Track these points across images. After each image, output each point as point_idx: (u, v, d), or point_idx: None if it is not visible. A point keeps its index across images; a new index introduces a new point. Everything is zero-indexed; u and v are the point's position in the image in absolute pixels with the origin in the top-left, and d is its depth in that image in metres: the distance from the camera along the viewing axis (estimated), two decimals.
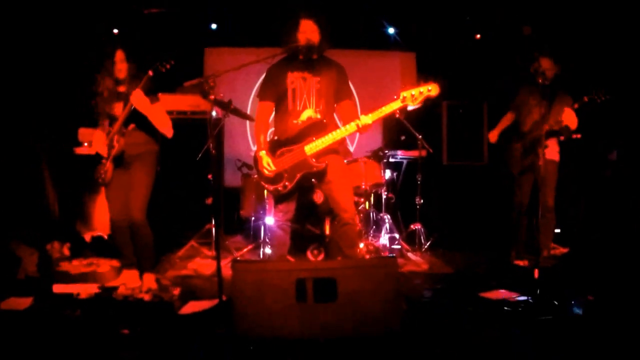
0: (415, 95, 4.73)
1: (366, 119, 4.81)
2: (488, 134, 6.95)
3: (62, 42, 7.99)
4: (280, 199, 5.22)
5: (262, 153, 5.09)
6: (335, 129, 4.98)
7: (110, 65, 5.58)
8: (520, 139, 6.85)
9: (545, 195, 6.60)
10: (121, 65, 5.59)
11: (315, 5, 5.16)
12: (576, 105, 6.38)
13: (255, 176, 5.24)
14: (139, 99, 5.31)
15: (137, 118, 5.46)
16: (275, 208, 5.35)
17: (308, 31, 5.04)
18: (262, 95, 5.34)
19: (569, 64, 6.83)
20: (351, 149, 10.02)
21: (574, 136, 6.62)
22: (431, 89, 4.74)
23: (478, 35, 10.10)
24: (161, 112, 5.60)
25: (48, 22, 7.83)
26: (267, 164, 5.04)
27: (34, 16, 7.61)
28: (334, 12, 5.50)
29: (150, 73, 5.27)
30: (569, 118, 6.36)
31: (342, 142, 5.25)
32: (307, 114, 5.11)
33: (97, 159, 5.64)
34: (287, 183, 5.03)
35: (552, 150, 6.82)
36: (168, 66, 5.25)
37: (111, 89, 5.60)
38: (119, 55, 5.59)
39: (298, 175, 5.02)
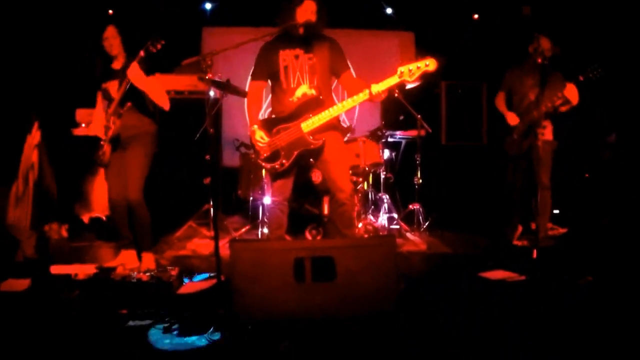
0: (413, 70, 4.68)
1: (377, 87, 4.75)
2: (507, 119, 6.84)
3: (58, 24, 7.95)
4: (276, 177, 5.20)
5: (254, 127, 5.08)
6: (331, 105, 4.96)
7: (102, 41, 5.58)
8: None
9: (541, 174, 6.58)
10: (113, 41, 5.60)
11: None
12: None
13: (253, 155, 5.22)
14: (135, 73, 5.30)
15: (133, 97, 5.46)
16: (272, 187, 5.34)
17: (309, 10, 5.00)
18: (253, 74, 5.33)
19: (568, 43, 6.81)
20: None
21: (563, 108, 6.56)
22: (429, 64, 4.69)
23: (476, 16, 10.07)
24: (157, 85, 5.59)
25: (43, 4, 7.79)
26: (261, 137, 5.02)
27: None
28: None
29: (142, 53, 5.26)
30: (571, 93, 6.32)
31: (338, 119, 5.22)
32: (302, 90, 5.09)
33: (95, 140, 5.64)
34: (284, 161, 5.01)
35: (547, 131, 6.79)
36: (159, 46, 5.23)
37: (104, 66, 5.60)
38: (110, 31, 5.58)
39: (295, 153, 5.00)
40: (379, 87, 4.76)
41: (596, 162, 8.68)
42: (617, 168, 8.36)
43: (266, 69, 5.22)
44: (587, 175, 8.42)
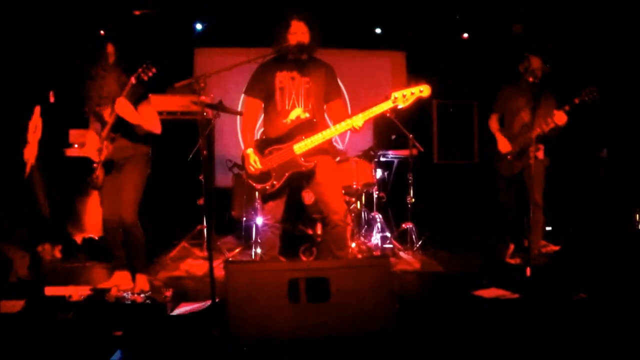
0: (407, 95, 4.73)
1: (357, 119, 4.81)
2: (499, 146, 6.86)
3: (51, 43, 7.95)
4: (267, 198, 5.21)
5: (249, 151, 5.09)
6: (325, 129, 4.98)
7: (104, 58, 5.59)
8: (510, 142, 6.83)
9: (534, 192, 6.61)
10: (111, 58, 5.60)
11: (305, 4, 5.15)
12: (567, 108, 6.38)
13: (244, 174, 5.24)
14: (122, 108, 5.32)
15: (125, 122, 5.46)
16: (263, 209, 5.34)
17: (299, 32, 5.03)
18: (249, 90, 5.33)
19: (560, 62, 6.86)
20: (341, 148, 10.03)
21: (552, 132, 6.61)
22: (423, 90, 4.74)
23: (465, 35, 10.14)
24: (148, 114, 5.61)
25: (36, 23, 7.79)
26: (254, 161, 5.03)
27: (21, 16, 7.58)
28: (324, 12, 5.51)
29: (133, 80, 5.27)
30: (560, 119, 6.36)
31: (330, 142, 5.24)
32: (296, 113, 5.12)
33: (88, 160, 5.63)
34: (274, 182, 5.03)
35: (539, 152, 6.82)
36: (150, 74, 5.24)
37: (101, 84, 5.60)
38: (110, 48, 5.59)
39: (286, 174, 5.02)
40: (359, 120, 4.83)
41: (589, 178, 8.72)
42: (608, 183, 8.40)
43: (262, 87, 5.24)
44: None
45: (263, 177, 5.07)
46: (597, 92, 6.23)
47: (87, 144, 5.72)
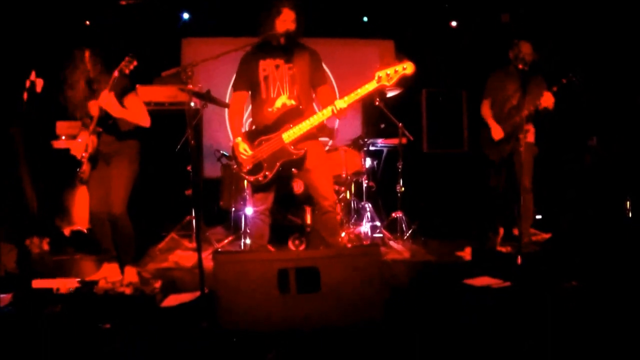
0: (391, 74, 4.71)
1: (341, 103, 4.79)
2: (492, 133, 6.86)
3: (36, 34, 7.90)
4: (258, 189, 5.18)
5: (238, 139, 5.06)
6: (312, 115, 4.96)
7: (80, 63, 5.55)
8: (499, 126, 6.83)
9: (523, 178, 6.59)
10: (89, 66, 5.56)
11: None
12: (555, 88, 6.38)
13: (235, 167, 5.20)
14: (106, 102, 5.30)
15: (111, 117, 5.44)
16: (253, 198, 5.31)
17: (288, 20, 5.00)
18: (235, 85, 5.31)
19: (550, 48, 6.86)
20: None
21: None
22: (406, 67, 4.72)
23: (454, 23, 10.12)
24: (135, 107, 5.57)
25: (21, 14, 7.73)
26: (244, 149, 5.00)
27: (9, 6, 7.53)
28: (312, 0, 5.47)
29: (116, 74, 5.23)
30: (548, 100, 6.35)
31: (320, 126, 5.20)
32: (281, 100, 5.08)
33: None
34: (267, 172, 4.99)
35: (530, 134, 6.82)
36: (132, 67, 5.21)
37: (83, 87, 5.56)
38: (86, 55, 5.56)
39: (278, 164, 4.98)
40: (342, 104, 4.80)
41: (578, 166, 8.73)
42: (598, 171, 8.40)
43: (247, 79, 5.20)
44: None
45: (255, 168, 5.03)
46: (581, 74, 6.24)
47: (75, 140, 5.69)
